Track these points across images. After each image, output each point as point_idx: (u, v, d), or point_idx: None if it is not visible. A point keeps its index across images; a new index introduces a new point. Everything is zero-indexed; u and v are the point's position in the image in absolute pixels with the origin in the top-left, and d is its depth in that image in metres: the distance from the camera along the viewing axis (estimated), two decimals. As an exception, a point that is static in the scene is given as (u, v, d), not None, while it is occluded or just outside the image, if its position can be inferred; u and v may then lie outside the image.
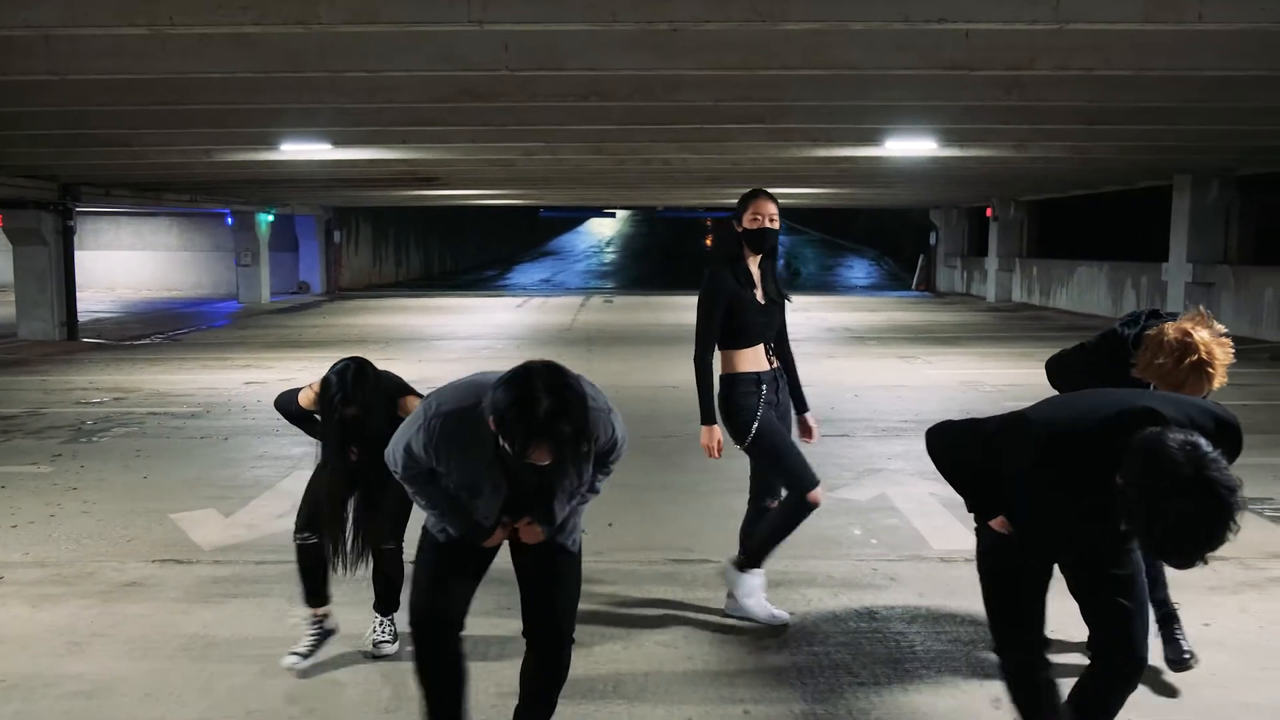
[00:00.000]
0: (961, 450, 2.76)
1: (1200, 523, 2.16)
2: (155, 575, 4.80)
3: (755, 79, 7.84)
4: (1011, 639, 2.76)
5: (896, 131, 11.24)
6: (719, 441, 4.02)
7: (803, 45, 6.86)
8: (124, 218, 28.17)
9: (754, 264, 4.06)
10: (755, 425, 3.97)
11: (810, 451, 4.20)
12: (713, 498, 6.06)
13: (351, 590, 4.10)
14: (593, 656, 3.79)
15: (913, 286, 30.26)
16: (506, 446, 2.44)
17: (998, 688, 3.42)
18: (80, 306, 16.95)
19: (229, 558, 5.07)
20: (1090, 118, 9.95)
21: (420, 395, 3.62)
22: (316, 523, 3.79)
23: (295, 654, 3.77)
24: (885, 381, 10.85)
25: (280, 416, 3.96)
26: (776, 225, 4.03)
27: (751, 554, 4.13)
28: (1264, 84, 7.97)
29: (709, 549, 5.08)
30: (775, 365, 4.09)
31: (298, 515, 3.86)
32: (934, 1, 5.55)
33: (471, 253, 42.81)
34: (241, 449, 7.63)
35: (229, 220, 24.76)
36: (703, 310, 4.01)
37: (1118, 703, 2.74)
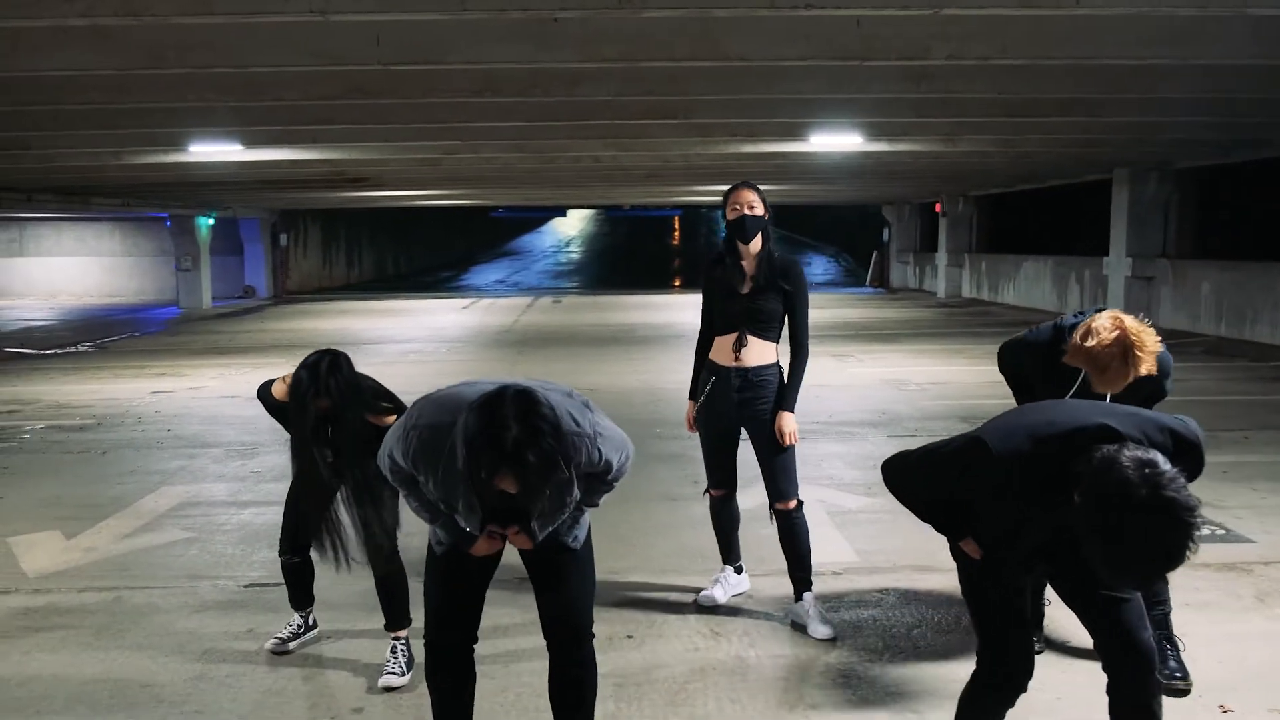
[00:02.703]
0: (919, 478, 2.70)
1: (1157, 544, 2.12)
2: (-38, 608, 4.47)
3: (649, 71, 7.59)
4: (996, 665, 2.64)
5: (819, 126, 11.03)
6: (689, 417, 4.36)
7: (689, 36, 6.61)
8: (65, 223, 27.54)
9: (749, 254, 4.09)
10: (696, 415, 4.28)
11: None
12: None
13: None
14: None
15: (867, 283, 30.17)
16: (475, 472, 2.42)
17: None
18: (15, 315, 16.51)
19: (51, 585, 4.74)
20: (1012, 110, 9.76)
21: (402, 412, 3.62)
22: (298, 540, 3.75)
23: (278, 638, 3.85)
24: (809, 380, 10.58)
25: (263, 407, 3.81)
26: (757, 212, 4.06)
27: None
28: (1170, 72, 7.79)
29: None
30: (743, 363, 4.11)
31: (281, 533, 3.85)
32: (801, -13, 5.31)
33: (427, 254, 42.36)
34: (115, 464, 7.27)
35: (168, 224, 24.26)
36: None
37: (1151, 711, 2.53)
